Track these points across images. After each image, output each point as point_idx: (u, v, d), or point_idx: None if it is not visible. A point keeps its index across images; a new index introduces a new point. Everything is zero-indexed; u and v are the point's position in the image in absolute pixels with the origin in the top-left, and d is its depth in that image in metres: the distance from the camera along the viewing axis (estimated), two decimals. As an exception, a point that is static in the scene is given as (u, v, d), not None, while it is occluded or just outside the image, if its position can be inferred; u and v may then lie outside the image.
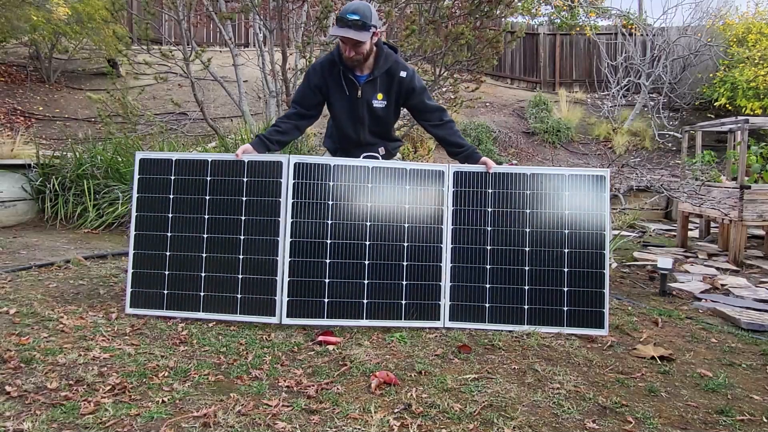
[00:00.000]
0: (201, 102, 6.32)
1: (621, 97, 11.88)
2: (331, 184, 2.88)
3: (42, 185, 5.68)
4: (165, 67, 6.72)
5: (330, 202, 2.87)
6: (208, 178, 2.92)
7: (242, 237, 2.88)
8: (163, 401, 1.99)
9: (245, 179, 2.90)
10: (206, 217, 2.91)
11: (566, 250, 2.85)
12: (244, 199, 2.89)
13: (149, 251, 2.95)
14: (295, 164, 2.88)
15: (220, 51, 10.08)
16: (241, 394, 2.08)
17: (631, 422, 1.99)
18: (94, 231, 5.25)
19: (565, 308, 2.84)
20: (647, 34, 11.86)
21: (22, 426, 1.78)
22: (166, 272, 2.92)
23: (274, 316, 2.82)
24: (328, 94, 3.06)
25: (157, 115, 8.42)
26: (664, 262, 3.96)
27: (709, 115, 11.11)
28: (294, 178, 2.88)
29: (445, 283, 2.89)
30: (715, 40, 11.16)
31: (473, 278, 2.89)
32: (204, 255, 2.89)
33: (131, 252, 2.97)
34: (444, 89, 6.80)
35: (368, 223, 2.87)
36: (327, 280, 2.83)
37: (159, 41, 8.68)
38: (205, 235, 2.90)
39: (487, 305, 2.88)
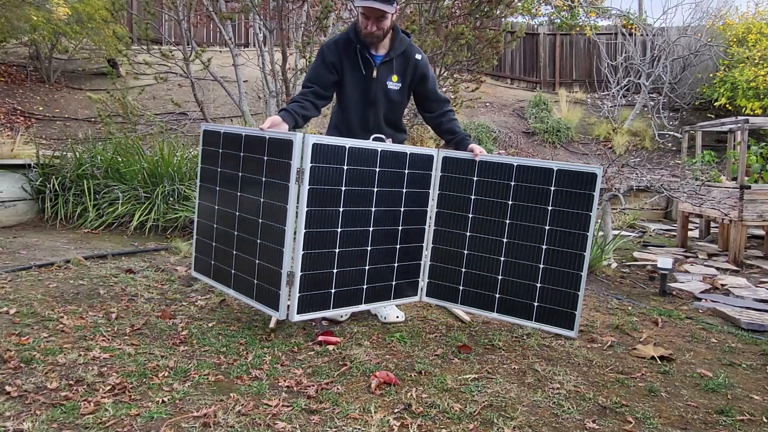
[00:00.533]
0: (201, 102, 6.33)
1: (621, 97, 11.87)
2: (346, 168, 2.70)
3: (42, 185, 5.68)
4: (165, 67, 6.72)
5: (343, 188, 2.69)
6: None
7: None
8: (163, 401, 1.99)
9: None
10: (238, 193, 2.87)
11: (544, 247, 2.76)
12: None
13: (205, 221, 3.05)
14: (313, 144, 2.64)
15: (220, 51, 10.08)
16: (241, 394, 2.08)
17: (631, 422, 1.99)
18: (94, 231, 5.25)
19: (536, 304, 2.76)
20: (647, 34, 11.86)
21: (22, 426, 1.78)
22: (213, 244, 3.00)
23: (277, 310, 2.64)
24: (343, 72, 2.90)
25: (157, 115, 8.42)
26: (664, 262, 3.96)
27: (709, 115, 11.11)
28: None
29: (425, 261, 2.97)
30: (715, 40, 11.16)
31: (451, 261, 2.92)
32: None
33: (196, 219, 3.10)
34: (444, 89, 6.80)
35: (372, 209, 2.78)
36: (335, 270, 2.73)
37: (159, 41, 8.68)
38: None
39: (460, 288, 2.89)
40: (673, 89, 11.64)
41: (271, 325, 2.82)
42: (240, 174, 2.82)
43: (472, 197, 2.87)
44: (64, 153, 5.90)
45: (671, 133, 10.83)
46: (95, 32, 8.62)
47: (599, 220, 5.10)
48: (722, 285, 4.30)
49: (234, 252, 2.86)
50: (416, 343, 2.67)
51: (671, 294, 4.02)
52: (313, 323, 2.92)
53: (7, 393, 2.00)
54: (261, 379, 2.22)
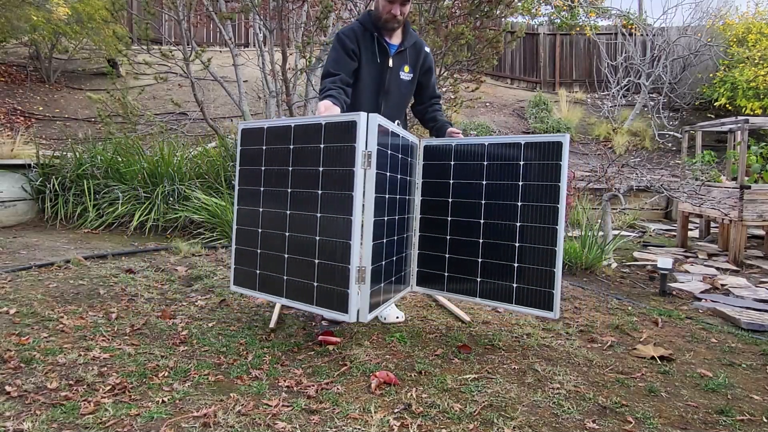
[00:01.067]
0: (201, 102, 6.33)
1: (621, 97, 11.88)
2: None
3: (42, 185, 5.68)
4: (165, 67, 6.72)
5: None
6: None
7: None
8: (163, 401, 1.99)
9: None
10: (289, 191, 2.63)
11: (518, 224, 2.66)
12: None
13: (247, 227, 2.80)
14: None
15: (220, 51, 10.08)
16: (241, 394, 2.08)
17: (631, 422, 1.99)
18: (94, 231, 5.25)
19: (514, 285, 2.67)
20: (647, 34, 11.86)
21: (22, 426, 1.78)
22: (259, 251, 2.73)
23: (346, 312, 2.39)
24: (360, 60, 2.83)
25: (157, 115, 8.42)
26: (664, 262, 3.96)
27: (709, 115, 11.11)
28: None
29: (414, 251, 2.98)
30: (715, 40, 11.17)
31: (435, 248, 2.91)
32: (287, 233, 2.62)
33: (234, 228, 2.84)
34: (444, 89, 6.80)
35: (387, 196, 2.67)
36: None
37: (159, 41, 8.68)
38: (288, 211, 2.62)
39: (445, 274, 2.88)
40: (673, 89, 11.64)
41: (271, 325, 2.82)
42: (290, 169, 2.60)
43: (451, 182, 2.85)
44: (64, 153, 5.91)
45: (671, 133, 10.83)
46: (95, 32, 8.62)
47: (599, 220, 5.10)
48: (722, 285, 4.30)
49: (286, 256, 2.61)
50: (416, 343, 2.67)
51: (671, 294, 4.02)
52: (313, 323, 2.92)
53: (7, 393, 2.00)
54: (261, 379, 2.22)
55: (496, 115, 11.60)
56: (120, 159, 5.75)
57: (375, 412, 1.96)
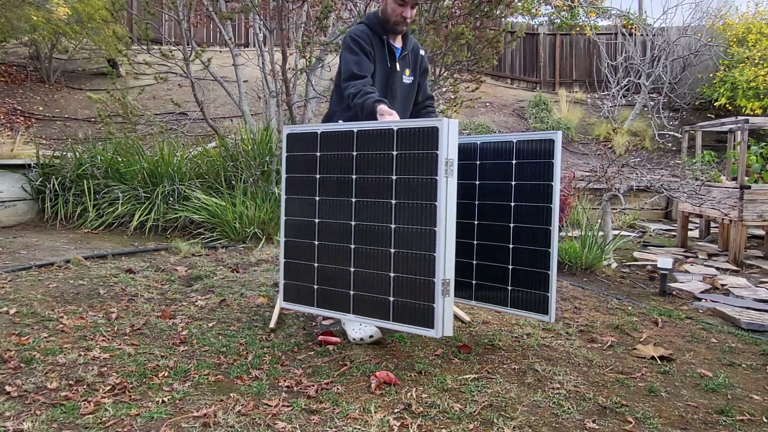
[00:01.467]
0: (201, 102, 6.33)
1: (621, 97, 11.87)
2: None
3: (42, 185, 5.68)
4: (165, 67, 6.72)
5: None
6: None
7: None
8: (163, 401, 1.99)
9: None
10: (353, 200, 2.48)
11: (511, 225, 2.56)
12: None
13: (299, 239, 2.62)
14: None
15: (220, 51, 10.08)
16: (241, 394, 2.08)
17: (631, 422, 1.99)
18: (94, 231, 5.25)
19: (509, 288, 2.60)
20: (647, 34, 11.86)
21: (22, 426, 1.78)
22: (316, 265, 2.56)
23: (431, 327, 2.26)
24: (374, 63, 2.77)
25: (157, 115, 8.42)
26: (664, 262, 3.96)
27: (709, 115, 11.11)
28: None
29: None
30: (715, 40, 11.16)
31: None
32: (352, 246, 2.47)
33: (282, 240, 2.64)
34: (444, 89, 6.80)
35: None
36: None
37: (159, 41, 8.68)
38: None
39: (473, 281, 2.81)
40: (673, 89, 11.64)
41: (271, 325, 2.82)
42: (354, 177, 2.43)
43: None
44: (64, 153, 5.91)
45: (671, 133, 10.83)
46: (95, 32, 8.63)
47: (599, 220, 5.10)
48: (722, 285, 4.30)
49: (352, 269, 2.45)
50: (416, 343, 2.67)
51: (671, 294, 4.02)
52: (313, 323, 2.92)
53: (7, 393, 2.00)
54: (261, 379, 2.22)
55: (496, 115, 11.60)
56: (120, 159, 5.75)
57: (375, 412, 1.96)
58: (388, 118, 2.43)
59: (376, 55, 2.76)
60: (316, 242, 2.55)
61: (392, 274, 2.34)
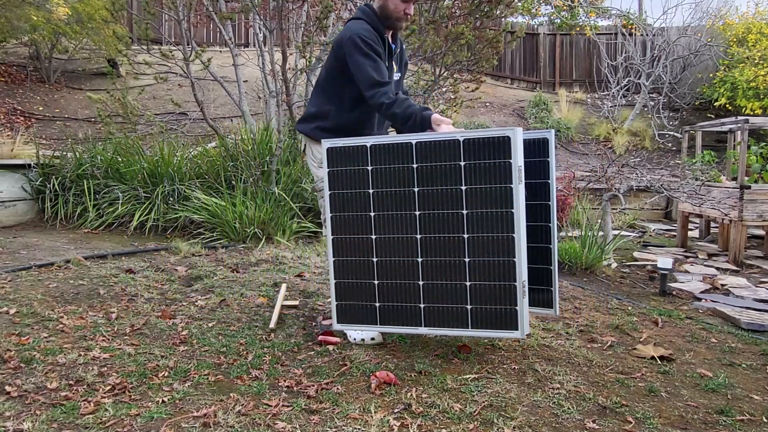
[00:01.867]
0: (201, 102, 6.33)
1: (621, 97, 11.88)
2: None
3: (42, 185, 5.68)
4: (165, 67, 6.72)
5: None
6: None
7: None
8: (163, 401, 1.99)
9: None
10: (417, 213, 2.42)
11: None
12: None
13: (353, 258, 2.49)
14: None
15: (220, 51, 10.08)
16: (241, 394, 2.08)
17: (631, 422, 1.99)
18: (94, 231, 5.25)
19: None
20: (647, 34, 11.86)
21: (22, 426, 1.78)
22: (376, 282, 2.48)
23: (516, 329, 2.32)
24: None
25: (157, 115, 8.42)
26: (664, 262, 3.96)
27: (709, 115, 11.11)
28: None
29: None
30: (715, 40, 11.17)
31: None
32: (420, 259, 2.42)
33: (331, 260, 2.50)
34: (444, 89, 6.80)
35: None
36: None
37: (159, 41, 8.68)
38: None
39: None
40: (673, 89, 11.64)
41: (271, 325, 2.82)
42: (416, 189, 2.38)
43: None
44: (64, 153, 5.91)
45: (671, 133, 10.84)
46: (95, 32, 8.63)
47: (599, 220, 5.10)
48: (722, 285, 4.30)
49: (421, 283, 2.42)
50: (416, 343, 2.67)
51: (671, 294, 4.02)
52: (313, 323, 2.92)
53: (7, 393, 2.00)
54: (261, 379, 2.22)
55: (496, 115, 11.60)
56: (120, 159, 5.75)
57: (375, 412, 1.96)
58: (445, 127, 2.39)
59: (381, 55, 2.68)
60: (375, 259, 2.48)
61: (468, 283, 2.36)
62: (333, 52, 2.68)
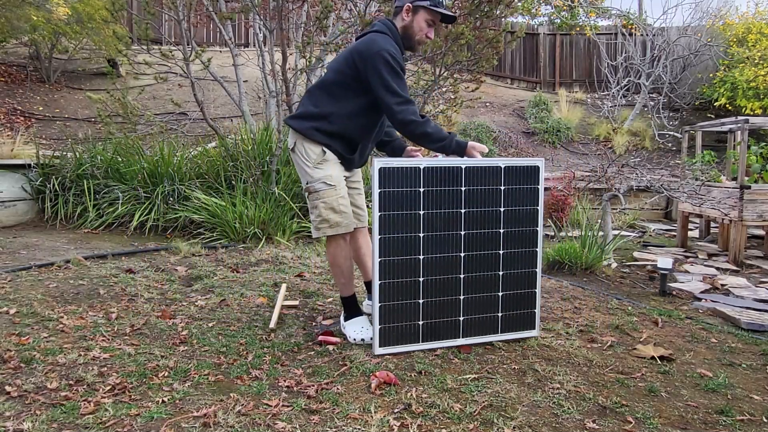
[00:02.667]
0: (201, 102, 6.32)
1: (621, 97, 11.88)
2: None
3: (42, 185, 5.68)
4: (165, 67, 6.72)
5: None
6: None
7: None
8: (163, 401, 1.99)
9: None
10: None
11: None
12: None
13: (400, 279, 2.53)
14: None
15: (220, 51, 10.08)
16: (241, 394, 2.08)
17: (631, 422, 1.99)
18: (94, 231, 5.25)
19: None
20: (647, 34, 11.86)
21: (22, 426, 1.78)
22: (421, 302, 2.57)
23: (534, 328, 2.76)
24: None
25: (157, 115, 8.42)
26: (664, 262, 3.96)
27: (709, 115, 11.11)
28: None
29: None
30: (715, 40, 11.17)
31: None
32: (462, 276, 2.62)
33: (377, 284, 2.49)
34: (444, 89, 6.80)
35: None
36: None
37: (159, 41, 8.68)
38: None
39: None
40: (673, 89, 11.64)
41: (271, 325, 2.82)
42: (463, 211, 2.57)
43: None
44: (64, 153, 5.91)
45: (671, 133, 10.84)
46: (95, 32, 8.62)
47: (599, 220, 5.10)
48: (722, 285, 4.30)
49: (462, 297, 2.61)
50: (416, 343, 2.67)
51: (671, 294, 4.02)
52: (313, 323, 2.92)
53: (7, 393, 2.00)
54: (261, 379, 2.22)
55: (496, 115, 11.60)
56: (120, 159, 5.75)
57: (375, 412, 1.96)
58: (478, 153, 2.59)
59: None
60: (421, 279, 2.56)
61: (501, 293, 2.68)
62: (350, 60, 2.60)
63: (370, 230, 2.73)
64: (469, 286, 2.63)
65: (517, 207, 2.65)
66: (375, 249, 2.49)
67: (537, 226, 2.68)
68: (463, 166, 2.55)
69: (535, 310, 2.74)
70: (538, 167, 2.65)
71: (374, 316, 2.52)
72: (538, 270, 2.73)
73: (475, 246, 2.61)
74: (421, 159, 2.58)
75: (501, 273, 2.67)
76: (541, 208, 2.67)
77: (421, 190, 2.51)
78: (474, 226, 2.60)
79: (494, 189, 2.61)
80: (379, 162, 2.46)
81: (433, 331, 2.59)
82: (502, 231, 2.64)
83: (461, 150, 2.57)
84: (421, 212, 2.52)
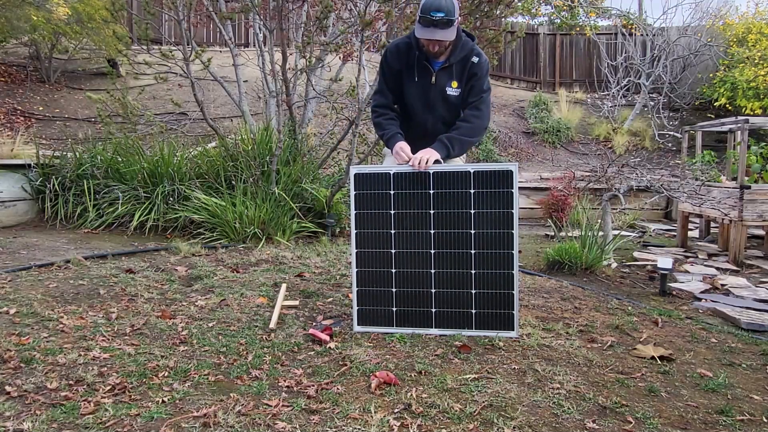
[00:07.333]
0: (201, 102, 6.32)
1: (621, 97, 11.88)
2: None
3: (42, 185, 5.68)
4: (165, 67, 6.72)
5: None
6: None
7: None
8: (163, 401, 1.99)
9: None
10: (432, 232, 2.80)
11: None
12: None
13: (373, 269, 2.85)
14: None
15: (220, 51, 10.08)
16: (241, 394, 2.08)
17: (631, 422, 1.99)
18: (94, 231, 5.25)
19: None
20: (647, 34, 11.86)
21: (22, 426, 1.78)
22: (393, 290, 2.84)
23: (512, 329, 2.79)
24: (401, 79, 2.90)
25: (157, 115, 8.42)
26: (664, 262, 3.96)
27: (709, 115, 11.11)
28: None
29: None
30: (715, 40, 11.17)
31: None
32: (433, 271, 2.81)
33: (354, 271, 2.85)
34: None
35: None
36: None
37: (159, 41, 8.68)
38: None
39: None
40: (673, 89, 11.64)
41: (271, 325, 2.82)
42: (432, 212, 2.78)
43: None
44: (64, 153, 5.90)
45: (671, 133, 10.84)
46: (95, 32, 8.62)
47: (599, 220, 5.10)
48: (722, 285, 4.30)
49: (433, 290, 2.81)
50: (416, 343, 2.67)
51: (671, 294, 4.02)
52: (314, 323, 2.92)
53: (7, 393, 2.00)
54: (261, 379, 2.22)
55: (496, 115, 11.60)
56: (120, 159, 5.75)
57: (375, 412, 1.96)
58: (400, 159, 2.76)
59: (403, 71, 2.89)
60: (393, 270, 2.84)
61: (474, 291, 2.78)
62: None
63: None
64: (441, 281, 2.80)
65: (489, 209, 2.73)
66: (352, 242, 2.85)
67: (512, 229, 2.72)
68: (431, 171, 2.75)
69: (513, 312, 2.76)
70: (512, 171, 2.71)
71: (353, 299, 2.85)
72: (515, 271, 2.75)
73: (446, 244, 2.78)
74: (392, 165, 2.82)
75: (473, 272, 2.77)
76: (515, 210, 2.72)
77: (392, 192, 2.80)
78: (444, 226, 2.77)
79: (463, 192, 2.74)
80: (354, 169, 2.84)
81: (406, 317, 2.83)
82: (473, 232, 2.75)
83: (390, 148, 2.86)
84: (392, 212, 2.81)
